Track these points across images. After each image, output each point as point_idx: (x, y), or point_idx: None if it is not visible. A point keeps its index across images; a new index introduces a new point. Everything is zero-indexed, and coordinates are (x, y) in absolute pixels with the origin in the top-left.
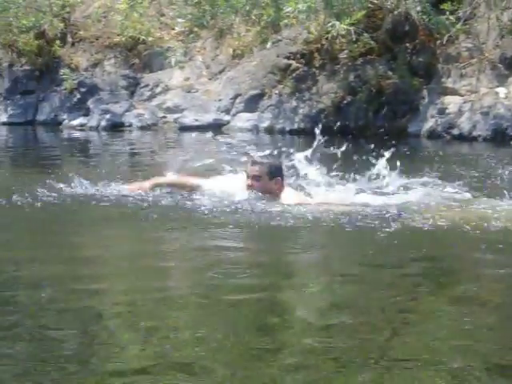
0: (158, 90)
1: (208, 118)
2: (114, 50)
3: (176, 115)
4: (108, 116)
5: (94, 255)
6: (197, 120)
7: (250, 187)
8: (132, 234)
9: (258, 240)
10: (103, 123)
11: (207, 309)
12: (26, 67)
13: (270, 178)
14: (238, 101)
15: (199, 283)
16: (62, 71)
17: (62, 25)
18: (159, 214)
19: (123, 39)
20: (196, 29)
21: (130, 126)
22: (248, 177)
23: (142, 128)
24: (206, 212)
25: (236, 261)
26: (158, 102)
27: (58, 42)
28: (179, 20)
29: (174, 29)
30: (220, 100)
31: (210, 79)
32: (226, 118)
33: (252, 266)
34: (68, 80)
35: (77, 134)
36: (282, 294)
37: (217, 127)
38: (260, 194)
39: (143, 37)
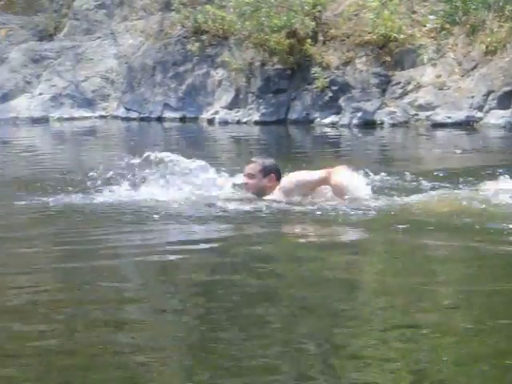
0: (410, 87)
1: (460, 115)
2: (365, 47)
3: (428, 113)
4: (360, 114)
5: None
6: (449, 117)
7: (245, 185)
8: None
9: None
10: (355, 121)
11: None
12: (278, 66)
13: (264, 176)
14: (490, 97)
15: None
16: (313, 70)
17: (313, 23)
18: None
19: (374, 37)
20: (448, 25)
21: (382, 123)
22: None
23: (394, 126)
24: None
25: None
26: (409, 100)
27: (309, 40)
28: (431, 17)
29: (425, 26)
30: (472, 97)
31: (462, 76)
32: (479, 114)
33: None
34: (320, 78)
35: (329, 132)
36: None
37: (469, 124)
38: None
39: (395, 34)
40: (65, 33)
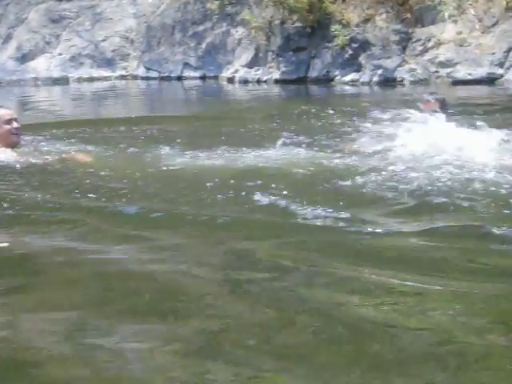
0: (430, 44)
1: (481, 71)
2: (385, 4)
3: (449, 69)
4: (380, 71)
5: None
6: (470, 74)
7: None
8: None
9: None
10: (375, 78)
11: None
12: (298, 24)
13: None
14: (511, 54)
15: None
16: (333, 27)
17: None
18: None
19: None
20: None
21: (402, 80)
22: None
23: (414, 83)
24: None
25: None
26: (430, 57)
27: None
28: None
29: None
30: (493, 53)
31: (482, 33)
32: (500, 71)
33: None
34: (340, 36)
35: (349, 89)
36: None
37: (490, 81)
38: None
39: None
40: None
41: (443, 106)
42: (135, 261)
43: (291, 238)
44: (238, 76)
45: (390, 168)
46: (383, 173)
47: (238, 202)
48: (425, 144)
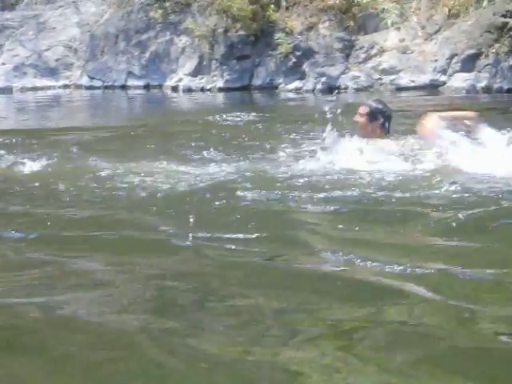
0: (374, 51)
1: (424, 78)
2: (328, 12)
3: (392, 77)
4: (323, 79)
5: None
6: (413, 81)
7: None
8: None
9: None
10: (319, 86)
11: None
12: (241, 32)
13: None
14: (454, 61)
15: None
16: (276, 35)
17: None
18: None
19: (337, 2)
20: None
21: (346, 88)
22: None
23: (358, 90)
24: None
25: None
26: (373, 64)
27: (272, 6)
28: None
29: None
30: (436, 60)
31: (425, 40)
32: (443, 78)
33: None
34: (283, 44)
35: (293, 97)
36: None
37: (433, 88)
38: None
39: None
40: (27, 2)
41: (373, 117)
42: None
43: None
44: (181, 85)
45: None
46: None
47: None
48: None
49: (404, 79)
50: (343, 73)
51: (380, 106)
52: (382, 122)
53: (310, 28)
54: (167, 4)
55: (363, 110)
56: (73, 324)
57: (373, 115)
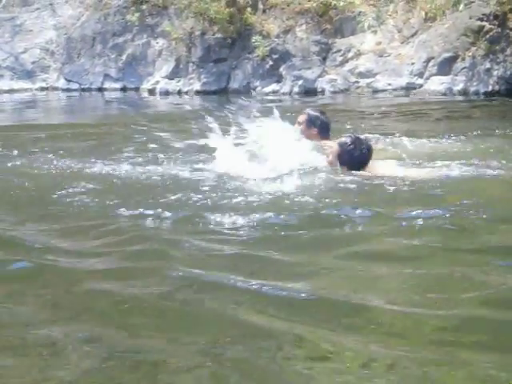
0: (350, 54)
1: (401, 81)
2: (305, 15)
3: (368, 80)
4: (300, 82)
5: None
6: (389, 84)
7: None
8: None
9: None
10: (296, 89)
11: None
12: (218, 35)
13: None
14: (430, 64)
15: None
16: (253, 38)
17: None
18: None
19: (314, 5)
20: None
21: (323, 91)
22: None
23: (335, 93)
24: None
25: None
26: (350, 67)
27: (249, 9)
28: None
29: None
30: (413, 64)
31: (402, 43)
32: (419, 81)
33: None
34: (260, 47)
35: (270, 99)
36: None
37: (410, 91)
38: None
39: (334, 2)
40: (3, 4)
41: (310, 124)
42: None
43: None
44: (158, 87)
45: None
46: None
47: None
48: None
49: (381, 82)
50: (320, 76)
51: (317, 114)
52: (319, 128)
53: (286, 31)
54: (144, 7)
55: (301, 118)
56: None
57: (310, 122)
